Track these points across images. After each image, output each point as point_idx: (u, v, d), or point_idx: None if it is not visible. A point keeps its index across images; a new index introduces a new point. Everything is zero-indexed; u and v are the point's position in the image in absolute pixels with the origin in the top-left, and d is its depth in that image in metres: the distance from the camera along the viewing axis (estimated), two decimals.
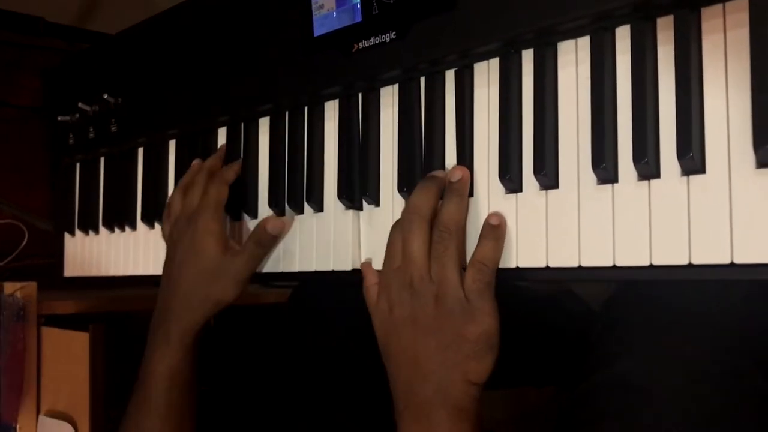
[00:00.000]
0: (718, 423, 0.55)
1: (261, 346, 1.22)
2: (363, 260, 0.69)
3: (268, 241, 0.74)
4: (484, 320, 0.57)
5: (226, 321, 0.83)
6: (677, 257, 0.49)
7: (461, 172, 0.60)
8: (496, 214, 0.58)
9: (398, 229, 0.62)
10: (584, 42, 0.55)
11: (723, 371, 0.57)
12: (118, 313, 1.18)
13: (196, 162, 0.82)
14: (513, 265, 0.58)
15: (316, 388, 0.87)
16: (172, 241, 0.79)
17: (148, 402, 0.75)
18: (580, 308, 1.08)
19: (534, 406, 1.19)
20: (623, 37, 0.53)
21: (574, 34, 0.55)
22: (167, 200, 0.83)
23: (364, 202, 0.69)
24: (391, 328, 0.62)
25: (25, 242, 1.31)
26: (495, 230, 0.58)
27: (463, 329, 0.58)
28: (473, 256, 0.59)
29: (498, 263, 0.58)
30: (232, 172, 0.79)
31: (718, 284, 0.61)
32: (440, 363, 0.58)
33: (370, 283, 0.66)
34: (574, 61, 0.56)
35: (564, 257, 0.55)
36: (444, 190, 0.61)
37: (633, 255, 0.51)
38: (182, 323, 0.75)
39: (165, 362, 0.75)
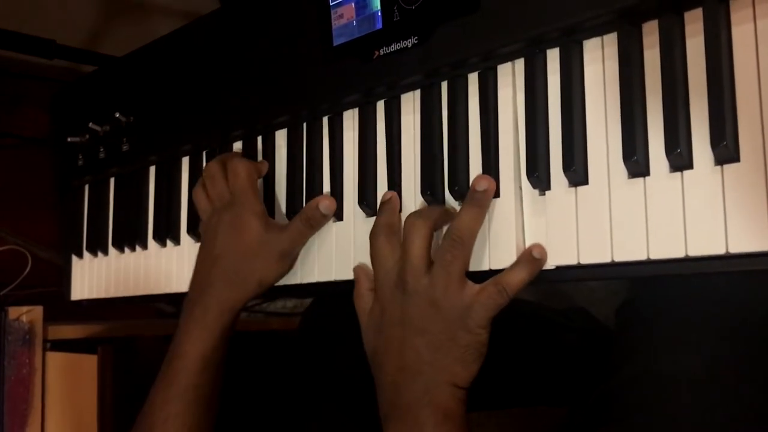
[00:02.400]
0: (744, 412, 0.55)
1: (269, 372, 1.20)
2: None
3: (318, 220, 0.71)
4: (478, 332, 0.58)
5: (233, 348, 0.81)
6: (714, 247, 0.49)
7: (487, 183, 0.59)
8: (541, 247, 0.57)
9: (381, 233, 0.63)
10: (611, 39, 0.56)
11: (746, 361, 0.57)
12: (124, 339, 1.16)
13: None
14: (546, 266, 0.57)
15: (327, 409, 0.85)
16: (210, 226, 0.76)
17: (176, 385, 0.71)
18: (593, 326, 1.07)
19: (546, 426, 1.17)
20: (651, 32, 0.53)
21: (600, 31, 0.56)
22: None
23: None
24: (380, 329, 0.62)
25: (28, 269, 1.30)
26: (534, 262, 0.57)
27: (455, 334, 0.58)
28: (501, 276, 0.58)
29: (518, 292, 0.58)
30: (264, 165, 0.78)
31: (738, 274, 0.61)
32: (429, 364, 0.58)
33: (364, 289, 0.66)
34: (600, 57, 0.56)
35: (596, 253, 0.54)
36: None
37: (668, 247, 0.51)
38: (223, 300, 0.72)
39: (199, 343, 0.71)
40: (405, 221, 0.62)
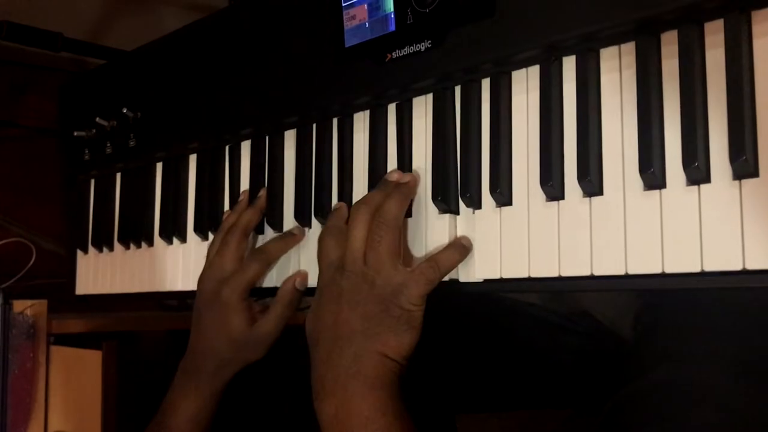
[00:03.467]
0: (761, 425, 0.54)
1: (275, 368, 1.20)
2: None
3: (295, 298, 0.75)
4: (411, 308, 0.60)
5: None
6: (730, 263, 0.48)
7: (410, 177, 0.66)
8: (467, 238, 0.62)
9: (329, 234, 0.67)
10: (629, 48, 0.55)
11: (763, 376, 0.57)
12: (128, 333, 1.16)
13: (244, 197, 0.82)
14: (556, 274, 0.57)
15: None
16: (200, 291, 0.79)
17: None
18: (598, 329, 1.07)
19: (551, 428, 1.17)
20: (670, 42, 0.53)
21: (618, 39, 0.55)
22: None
23: None
24: (316, 311, 0.65)
25: (32, 261, 1.29)
26: (463, 248, 0.61)
27: (388, 307, 0.60)
28: (434, 255, 0.62)
29: (448, 273, 0.62)
30: (280, 250, 0.78)
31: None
32: (360, 332, 0.61)
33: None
34: (617, 67, 0.55)
35: (609, 265, 0.54)
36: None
37: (683, 261, 0.50)
38: (213, 380, 0.77)
39: (191, 406, 0.77)
40: (351, 210, 0.66)
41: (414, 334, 0.61)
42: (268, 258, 0.77)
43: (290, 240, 0.77)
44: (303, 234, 0.77)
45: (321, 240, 0.68)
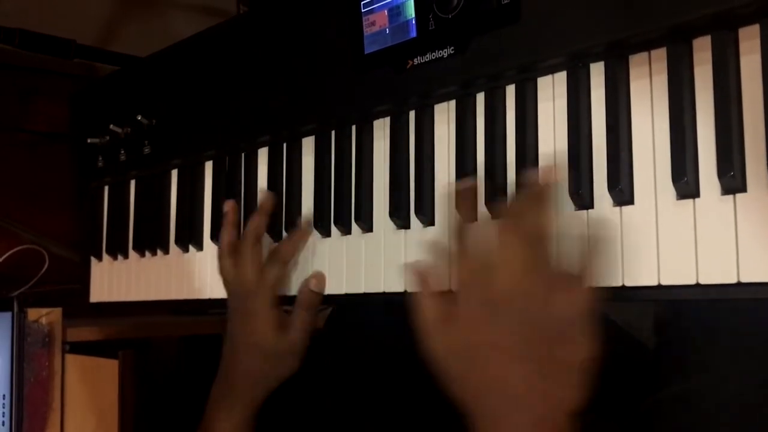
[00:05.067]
0: None
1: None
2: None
3: (315, 301, 0.73)
4: (581, 347, 0.51)
5: None
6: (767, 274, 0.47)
7: (547, 176, 0.56)
8: (602, 226, 0.54)
9: (464, 235, 0.57)
10: (659, 54, 0.54)
11: None
12: (144, 340, 1.15)
13: (229, 209, 0.81)
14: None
15: (353, 414, 0.84)
16: (230, 309, 0.78)
17: None
18: (619, 335, 1.06)
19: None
20: (702, 48, 0.52)
21: (648, 46, 0.54)
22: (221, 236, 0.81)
23: (417, 221, 0.67)
24: (466, 350, 0.54)
25: (45, 268, 1.29)
26: (599, 244, 0.54)
27: (557, 355, 0.51)
28: (575, 273, 0.53)
29: (598, 281, 0.53)
30: (292, 249, 0.76)
31: None
32: (533, 392, 0.51)
33: (426, 295, 0.58)
34: (647, 73, 0.54)
35: (642, 276, 0.53)
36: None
37: (719, 272, 0.49)
38: (246, 400, 0.75)
39: (227, 429, 0.75)
40: (500, 221, 0.56)
41: (591, 380, 0.52)
42: (283, 258, 0.75)
43: (297, 235, 0.76)
44: (310, 227, 0.75)
45: (458, 240, 0.58)
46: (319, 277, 0.73)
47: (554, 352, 0.51)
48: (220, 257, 0.79)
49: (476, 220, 0.58)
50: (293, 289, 0.76)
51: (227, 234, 0.80)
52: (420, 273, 0.60)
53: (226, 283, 0.79)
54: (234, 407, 0.75)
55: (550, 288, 0.52)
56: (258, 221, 0.78)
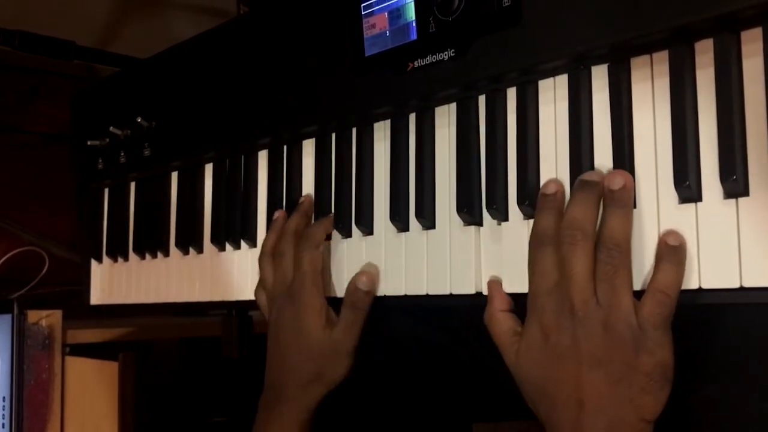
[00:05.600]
0: None
1: None
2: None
3: (362, 300, 0.69)
4: (658, 352, 0.51)
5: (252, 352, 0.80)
6: None
7: (623, 179, 0.52)
8: (675, 233, 0.51)
9: (546, 245, 0.55)
10: (661, 57, 0.53)
11: None
12: (144, 342, 1.15)
13: (279, 215, 0.78)
14: None
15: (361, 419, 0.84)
16: (272, 317, 0.75)
17: None
18: None
19: None
20: (704, 51, 0.51)
21: (650, 48, 0.54)
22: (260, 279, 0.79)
23: (418, 225, 0.67)
24: (545, 360, 0.54)
25: (45, 269, 1.29)
26: (675, 252, 0.50)
27: (635, 361, 0.51)
28: (651, 283, 0.51)
29: (679, 291, 0.51)
30: (321, 230, 0.73)
31: None
32: (611, 399, 0.51)
33: (498, 311, 0.59)
34: (649, 75, 0.54)
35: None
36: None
37: (721, 276, 0.49)
38: (296, 406, 0.72)
39: None
40: (561, 236, 0.54)
41: (670, 386, 0.51)
42: (313, 242, 0.72)
43: (327, 221, 0.74)
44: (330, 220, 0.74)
45: (534, 249, 0.56)
46: (369, 274, 0.69)
47: (631, 358, 0.51)
48: (262, 261, 0.77)
49: (558, 225, 0.56)
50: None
51: (272, 239, 0.77)
52: (493, 285, 0.61)
53: (265, 288, 0.77)
54: (284, 417, 0.72)
55: (627, 292, 0.51)
56: (297, 221, 0.75)
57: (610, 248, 0.52)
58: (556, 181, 0.57)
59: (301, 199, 0.77)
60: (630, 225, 0.53)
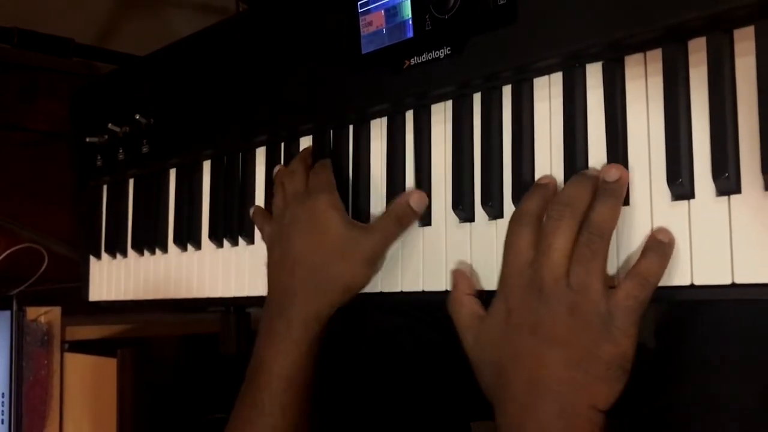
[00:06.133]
0: None
1: None
2: (419, 279, 0.66)
3: (410, 217, 0.65)
4: (623, 341, 0.50)
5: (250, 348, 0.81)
6: (762, 275, 0.47)
7: (619, 172, 0.53)
8: (665, 231, 0.51)
9: (526, 225, 0.55)
10: (655, 54, 0.54)
11: None
12: (143, 339, 1.16)
13: (279, 167, 0.77)
14: None
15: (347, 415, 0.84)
16: (281, 227, 0.70)
17: (261, 404, 0.66)
18: None
19: None
20: (697, 49, 0.52)
21: (644, 46, 0.54)
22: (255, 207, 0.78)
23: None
24: (506, 339, 0.54)
25: (44, 266, 1.29)
26: (663, 246, 0.51)
27: (597, 348, 0.50)
28: (634, 268, 0.51)
29: (658, 282, 0.51)
30: (326, 163, 0.72)
31: None
32: (565, 382, 0.50)
33: (462, 293, 0.59)
34: (643, 74, 0.54)
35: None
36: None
37: (713, 273, 0.49)
38: (308, 308, 0.66)
39: (283, 360, 0.66)
40: (549, 211, 0.54)
41: (626, 379, 0.51)
42: (327, 163, 0.71)
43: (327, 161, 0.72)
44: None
45: (513, 225, 0.56)
46: (421, 196, 0.65)
47: (593, 345, 0.50)
48: (275, 196, 0.75)
49: (542, 212, 0.56)
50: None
51: (281, 169, 0.76)
52: (458, 272, 0.61)
53: (274, 209, 0.74)
54: (292, 323, 0.66)
55: (601, 280, 0.51)
56: (308, 151, 0.75)
57: (593, 233, 0.52)
58: (551, 177, 0.58)
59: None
60: (617, 216, 0.53)
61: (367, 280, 0.67)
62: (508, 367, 0.53)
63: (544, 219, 0.54)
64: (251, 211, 0.79)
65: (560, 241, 0.52)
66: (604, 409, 0.51)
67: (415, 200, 0.65)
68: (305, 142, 0.78)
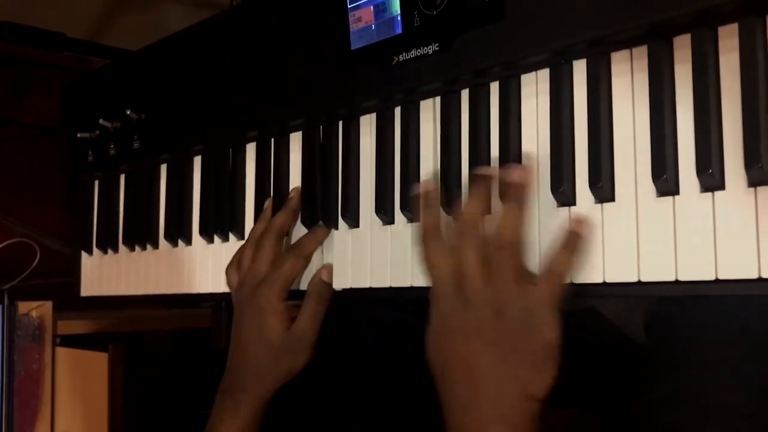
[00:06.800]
0: None
1: None
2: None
3: (326, 291, 0.72)
4: (546, 332, 0.54)
5: None
6: (745, 270, 0.48)
7: (520, 174, 0.57)
8: (582, 223, 0.55)
9: (434, 239, 0.60)
10: (640, 52, 0.54)
11: None
12: (135, 333, 1.16)
13: (269, 204, 0.78)
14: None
15: (337, 404, 0.85)
16: (237, 302, 0.77)
17: None
18: (604, 326, 1.06)
19: (559, 426, 1.17)
20: (682, 46, 0.52)
21: (630, 43, 0.54)
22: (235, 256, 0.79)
23: (403, 218, 0.68)
24: (443, 343, 0.58)
25: (37, 261, 1.29)
26: (577, 241, 0.55)
27: (524, 341, 0.55)
28: (548, 266, 0.55)
29: (570, 275, 0.55)
30: (314, 243, 0.74)
31: None
32: (498, 376, 0.55)
33: None
34: (629, 70, 0.55)
35: (623, 272, 0.53)
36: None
37: (698, 269, 0.50)
38: (252, 395, 0.74)
39: (232, 429, 0.73)
40: (455, 225, 0.59)
41: (555, 366, 0.55)
42: (302, 252, 0.74)
43: (321, 233, 0.74)
44: (328, 229, 0.74)
45: (422, 246, 0.61)
46: (330, 269, 0.72)
47: (520, 339, 0.55)
48: (246, 245, 0.77)
49: (439, 221, 0.61)
50: (302, 284, 0.75)
51: (260, 228, 0.77)
52: None
53: (239, 270, 0.77)
54: (239, 405, 0.73)
55: (516, 282, 0.55)
56: (285, 217, 0.76)
57: (499, 246, 0.56)
58: (426, 182, 0.63)
59: (291, 194, 0.78)
60: (522, 220, 0.57)
61: (307, 362, 0.73)
62: (450, 371, 0.58)
63: (452, 237, 0.59)
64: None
65: (469, 256, 0.57)
66: (539, 397, 0.55)
67: (325, 275, 0.72)
68: (295, 137, 0.79)
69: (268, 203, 0.79)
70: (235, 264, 0.78)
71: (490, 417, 0.55)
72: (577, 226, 0.55)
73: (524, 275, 0.56)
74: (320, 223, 0.75)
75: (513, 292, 0.55)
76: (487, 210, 0.59)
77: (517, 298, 0.55)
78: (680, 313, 0.63)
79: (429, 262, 0.60)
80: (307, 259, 0.74)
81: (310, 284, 0.73)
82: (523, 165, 0.58)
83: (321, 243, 0.74)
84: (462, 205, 0.59)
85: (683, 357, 0.60)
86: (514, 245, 0.56)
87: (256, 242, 0.76)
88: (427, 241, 0.60)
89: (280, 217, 0.76)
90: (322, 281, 0.72)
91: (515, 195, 0.57)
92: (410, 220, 0.67)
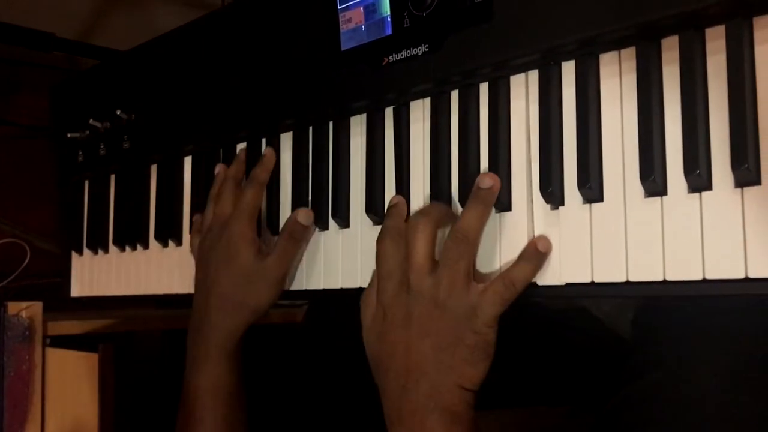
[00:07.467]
0: (757, 431, 0.55)
1: (269, 366, 1.20)
2: None
3: (300, 232, 0.72)
4: (485, 331, 0.57)
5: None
6: (732, 271, 0.48)
7: (492, 181, 0.58)
8: (545, 240, 0.56)
9: (390, 237, 0.62)
10: (629, 53, 0.54)
11: (761, 381, 0.57)
12: (125, 334, 1.15)
13: (220, 167, 0.81)
14: (557, 282, 0.56)
15: (327, 406, 0.85)
16: (203, 250, 0.77)
17: (194, 419, 0.73)
18: (594, 325, 1.07)
19: (548, 426, 1.17)
20: (670, 47, 0.52)
21: (618, 44, 0.55)
22: (196, 215, 0.82)
23: None
24: (382, 333, 0.61)
25: (27, 261, 1.29)
26: (539, 255, 0.56)
27: (462, 334, 0.57)
28: (507, 271, 0.57)
29: (526, 287, 0.57)
30: (264, 172, 0.77)
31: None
32: (434, 365, 0.57)
33: (372, 296, 0.64)
34: (617, 72, 0.55)
35: (611, 272, 0.53)
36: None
37: (685, 269, 0.50)
38: (220, 332, 0.73)
39: (207, 376, 0.73)
40: (409, 221, 0.62)
41: (489, 362, 0.58)
42: (258, 180, 0.76)
43: (267, 159, 0.77)
44: (273, 153, 0.77)
45: (379, 242, 0.63)
46: (309, 212, 0.73)
47: (459, 332, 0.57)
48: (205, 210, 0.80)
49: (402, 226, 0.63)
50: (295, 282, 0.76)
51: (216, 187, 0.80)
52: (374, 274, 0.66)
53: (201, 228, 0.79)
54: (209, 340, 0.73)
55: (463, 277, 0.57)
56: (236, 167, 0.79)
57: (459, 237, 0.58)
58: (399, 197, 0.65)
59: (238, 151, 0.81)
60: (484, 222, 0.59)
61: (273, 300, 0.74)
62: (387, 359, 0.60)
63: (407, 230, 0.61)
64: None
65: (420, 245, 0.59)
66: (472, 388, 0.58)
67: (302, 216, 0.72)
68: (286, 138, 0.79)
69: (218, 168, 0.81)
70: (197, 226, 0.81)
71: (425, 404, 0.57)
72: (537, 239, 0.57)
73: (472, 274, 0.58)
74: (267, 148, 0.78)
75: (459, 286, 0.57)
76: (443, 212, 0.62)
77: (461, 293, 0.57)
78: (668, 311, 0.64)
79: (379, 255, 0.62)
80: (263, 186, 0.76)
81: (286, 222, 0.73)
82: (493, 174, 0.60)
83: (270, 168, 0.77)
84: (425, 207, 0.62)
85: (664, 352, 0.61)
86: (469, 241, 0.58)
87: (214, 199, 0.78)
88: (383, 237, 0.63)
89: (233, 168, 0.79)
90: (297, 221, 0.72)
91: (483, 198, 0.59)
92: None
